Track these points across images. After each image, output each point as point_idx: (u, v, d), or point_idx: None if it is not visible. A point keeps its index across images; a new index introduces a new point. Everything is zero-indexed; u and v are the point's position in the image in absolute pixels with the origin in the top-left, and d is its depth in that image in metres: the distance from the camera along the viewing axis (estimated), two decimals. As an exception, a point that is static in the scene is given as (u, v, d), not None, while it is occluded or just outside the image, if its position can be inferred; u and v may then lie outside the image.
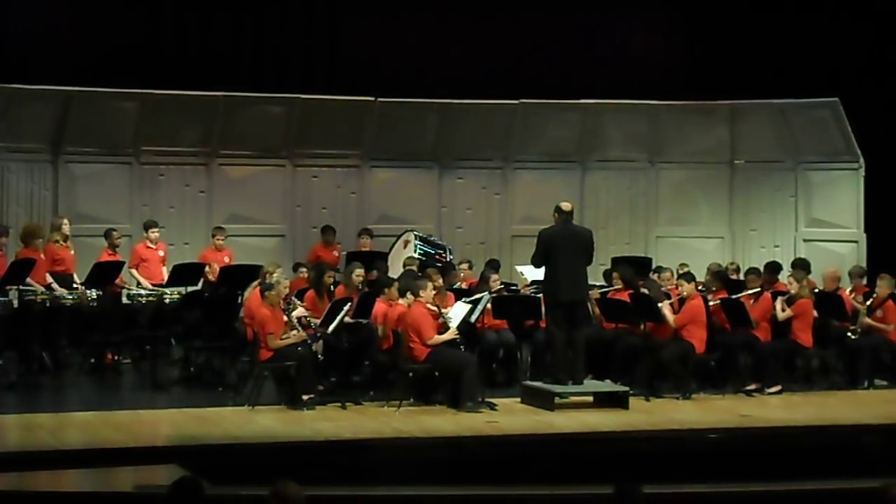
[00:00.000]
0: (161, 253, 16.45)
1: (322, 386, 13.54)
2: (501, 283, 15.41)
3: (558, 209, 13.89)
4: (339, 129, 18.62)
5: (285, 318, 13.39)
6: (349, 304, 13.69)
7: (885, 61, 18.61)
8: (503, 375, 15.13)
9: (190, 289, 15.37)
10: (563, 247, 13.60)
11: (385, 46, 19.01)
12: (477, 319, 14.46)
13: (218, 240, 16.81)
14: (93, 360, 15.29)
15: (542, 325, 14.63)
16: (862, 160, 18.80)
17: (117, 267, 15.61)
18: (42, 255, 15.22)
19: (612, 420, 12.91)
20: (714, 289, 15.24)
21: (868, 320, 15.13)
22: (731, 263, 17.57)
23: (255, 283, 14.26)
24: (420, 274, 14.83)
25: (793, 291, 14.91)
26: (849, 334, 15.09)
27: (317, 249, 17.66)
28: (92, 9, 17.97)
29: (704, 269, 16.05)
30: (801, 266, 15.65)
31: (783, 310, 14.79)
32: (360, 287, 14.47)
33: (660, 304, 14.43)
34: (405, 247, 17.35)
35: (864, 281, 15.94)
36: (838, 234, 18.97)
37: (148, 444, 11.65)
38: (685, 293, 14.46)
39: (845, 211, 18.99)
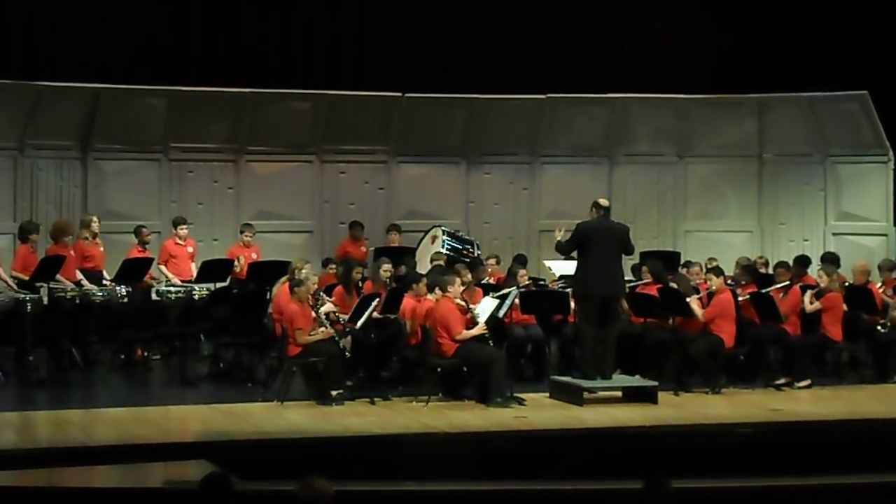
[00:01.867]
0: (190, 249, 16.50)
1: (351, 381, 13.56)
2: (529, 278, 15.40)
3: (596, 204, 13.94)
4: (366, 124, 18.65)
5: (314, 313, 13.41)
6: (377, 299, 13.69)
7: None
8: (531, 370, 15.13)
9: (219, 285, 15.42)
10: (598, 241, 13.62)
11: (412, 42, 19.01)
12: (505, 314, 14.46)
13: (246, 236, 16.83)
14: (122, 357, 15.33)
15: (571, 319, 14.63)
16: (891, 153, 18.72)
17: (146, 263, 15.66)
18: (72, 252, 15.29)
19: (641, 415, 12.89)
20: (743, 283, 15.19)
21: (898, 314, 15.08)
22: (760, 257, 17.53)
23: (284, 278, 14.28)
24: (448, 269, 14.83)
25: (822, 285, 14.87)
26: (878, 328, 15.02)
27: (345, 245, 17.68)
28: (120, 6, 18.03)
29: (733, 264, 16.01)
30: (830, 260, 15.60)
31: (812, 303, 14.75)
32: (389, 282, 14.50)
33: (688, 299, 14.40)
34: (433, 242, 17.37)
35: (894, 274, 15.85)
36: (867, 227, 18.89)
37: (178, 439, 11.66)
38: (714, 287, 14.43)
39: (874, 204, 18.92)
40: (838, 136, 19.13)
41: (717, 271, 14.69)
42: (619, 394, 13.69)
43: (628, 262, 15.95)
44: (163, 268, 16.17)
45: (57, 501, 9.69)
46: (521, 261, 16.18)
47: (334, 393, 13.14)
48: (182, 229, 16.47)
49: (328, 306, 13.72)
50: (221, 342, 15.04)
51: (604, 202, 14.04)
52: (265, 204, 18.37)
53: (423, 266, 16.03)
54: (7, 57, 17.34)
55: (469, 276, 14.54)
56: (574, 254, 13.99)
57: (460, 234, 17.92)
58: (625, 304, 14.78)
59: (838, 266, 15.54)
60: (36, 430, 12.22)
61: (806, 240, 19.24)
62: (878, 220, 18.85)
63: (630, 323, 14.78)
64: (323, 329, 13.35)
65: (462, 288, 13.85)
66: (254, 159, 18.51)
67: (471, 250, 17.34)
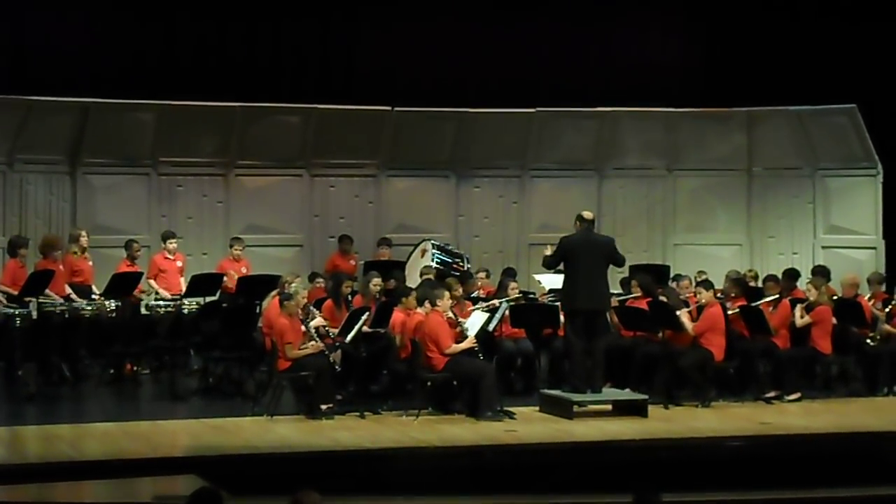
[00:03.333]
0: (179, 263, 16.48)
1: (340, 395, 13.54)
2: (519, 292, 15.40)
3: (580, 217, 13.90)
4: (356, 138, 18.66)
5: (303, 327, 13.40)
6: (367, 313, 13.69)
7: (903, 68, 18.59)
8: (521, 384, 15.13)
9: (208, 299, 15.40)
10: (583, 255, 13.60)
11: (401, 56, 19.03)
12: (495, 328, 14.46)
13: (235, 250, 16.83)
14: (112, 371, 15.31)
15: (560, 333, 14.62)
16: (880, 166, 18.77)
17: (136, 278, 15.64)
18: (61, 267, 15.26)
19: (631, 428, 12.88)
20: (732, 296, 15.20)
21: (887, 327, 15.07)
22: (750, 271, 17.52)
23: (274, 292, 14.27)
24: (438, 283, 14.83)
25: (812, 298, 14.88)
26: (868, 341, 15.04)
27: (334, 259, 17.68)
28: (109, 21, 18.02)
29: (723, 277, 16.00)
30: (820, 273, 15.61)
31: (802, 317, 14.76)
32: (378, 296, 14.49)
33: (678, 312, 14.40)
34: (422, 256, 17.37)
35: (884, 287, 15.88)
36: (857, 240, 18.93)
37: (167, 454, 11.64)
38: (703, 301, 14.44)
39: (863, 217, 18.96)
40: (827, 150, 19.18)
41: (707, 284, 14.70)
42: (609, 407, 13.67)
43: (617, 276, 15.98)
44: (152, 282, 16.16)
45: (46, 517, 9.69)
46: (511, 274, 16.19)
47: (324, 407, 13.12)
48: (171, 243, 16.45)
49: (318, 320, 13.70)
50: (211, 356, 14.99)
51: (587, 215, 13.99)
52: (255, 218, 18.36)
53: (413, 280, 16.03)
54: (-4, 71, 17.37)
55: (459, 289, 14.54)
56: (562, 266, 13.99)
57: (450, 247, 17.93)
58: (614, 318, 14.79)
59: (828, 279, 15.55)
60: (25, 445, 12.18)
61: (795, 253, 19.27)
62: (868, 234, 18.89)
63: (620, 336, 14.77)
64: (313, 343, 13.34)
65: (452, 302, 13.84)
66: (243, 173, 18.51)
67: (460, 264, 17.35)
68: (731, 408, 14.13)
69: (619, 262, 14.08)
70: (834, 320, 14.90)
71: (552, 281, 15.24)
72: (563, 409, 13.37)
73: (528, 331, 15.03)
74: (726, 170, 19.77)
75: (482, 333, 13.86)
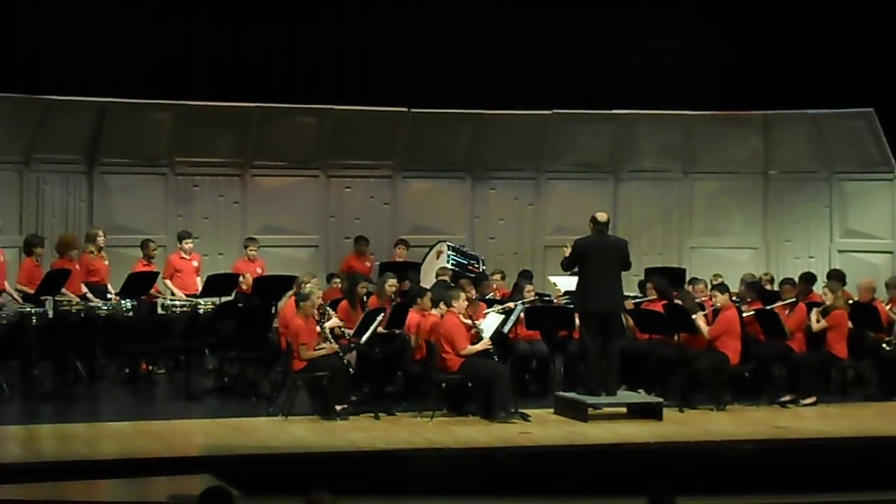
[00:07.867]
0: (195, 263, 16.50)
1: (355, 396, 13.55)
2: (535, 294, 15.40)
3: (594, 219, 13.88)
4: (372, 139, 18.65)
5: (318, 328, 13.41)
6: (382, 314, 13.70)
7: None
8: (536, 386, 15.14)
9: (224, 299, 15.41)
10: (596, 257, 13.59)
11: (417, 57, 19.02)
12: (510, 330, 14.45)
13: (250, 251, 16.84)
14: (127, 371, 15.35)
15: (576, 335, 14.62)
16: (897, 170, 18.76)
17: (152, 277, 15.67)
18: (77, 266, 15.29)
19: (646, 431, 12.88)
20: (748, 299, 15.19)
21: (903, 331, 15.06)
22: (766, 274, 17.51)
23: (290, 293, 14.29)
24: (453, 284, 14.84)
25: (828, 302, 14.85)
26: (884, 345, 14.99)
27: (350, 260, 17.68)
28: (127, 21, 18.03)
29: (738, 280, 16.00)
30: (836, 277, 15.59)
31: (818, 321, 14.73)
32: (393, 297, 14.50)
33: (694, 315, 14.39)
34: (438, 257, 17.38)
35: (900, 292, 15.86)
36: (873, 244, 18.88)
37: (182, 454, 11.68)
38: (719, 304, 14.42)
39: (880, 221, 18.91)
40: (844, 154, 19.12)
41: (723, 288, 14.69)
42: (624, 410, 13.67)
43: (634, 278, 15.96)
44: (168, 282, 16.18)
45: (61, 515, 9.71)
46: (526, 276, 16.18)
47: (339, 408, 13.14)
48: (187, 243, 16.47)
49: (333, 321, 13.72)
50: (226, 356, 15.03)
51: (601, 217, 13.94)
52: (271, 218, 18.38)
53: (428, 281, 16.04)
54: (14, 71, 17.35)
55: (473, 291, 14.54)
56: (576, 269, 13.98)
57: (465, 249, 17.93)
58: (629, 321, 14.78)
59: (844, 283, 15.53)
60: (40, 444, 12.21)
61: (811, 257, 19.22)
62: (884, 238, 18.84)
63: (635, 339, 14.76)
64: (328, 344, 13.35)
65: (466, 303, 13.84)
66: (260, 174, 18.53)
67: (476, 265, 17.35)
68: (746, 411, 14.11)
69: (627, 266, 14.03)
70: (850, 324, 14.88)
71: (567, 283, 15.23)
72: (577, 412, 13.38)
73: (543, 333, 15.02)
74: (742, 173, 19.72)
75: (497, 335, 13.86)
